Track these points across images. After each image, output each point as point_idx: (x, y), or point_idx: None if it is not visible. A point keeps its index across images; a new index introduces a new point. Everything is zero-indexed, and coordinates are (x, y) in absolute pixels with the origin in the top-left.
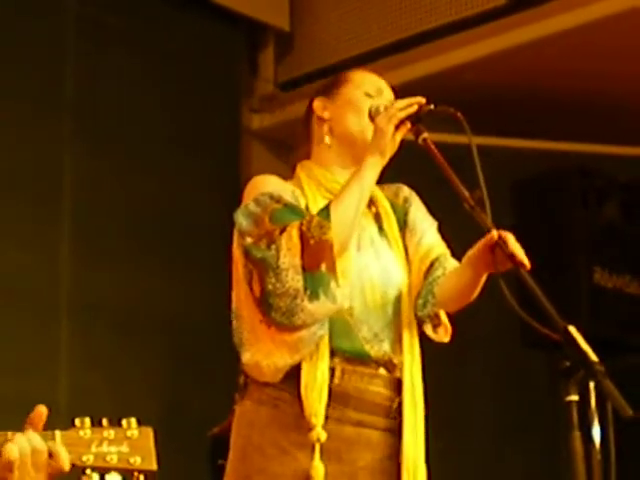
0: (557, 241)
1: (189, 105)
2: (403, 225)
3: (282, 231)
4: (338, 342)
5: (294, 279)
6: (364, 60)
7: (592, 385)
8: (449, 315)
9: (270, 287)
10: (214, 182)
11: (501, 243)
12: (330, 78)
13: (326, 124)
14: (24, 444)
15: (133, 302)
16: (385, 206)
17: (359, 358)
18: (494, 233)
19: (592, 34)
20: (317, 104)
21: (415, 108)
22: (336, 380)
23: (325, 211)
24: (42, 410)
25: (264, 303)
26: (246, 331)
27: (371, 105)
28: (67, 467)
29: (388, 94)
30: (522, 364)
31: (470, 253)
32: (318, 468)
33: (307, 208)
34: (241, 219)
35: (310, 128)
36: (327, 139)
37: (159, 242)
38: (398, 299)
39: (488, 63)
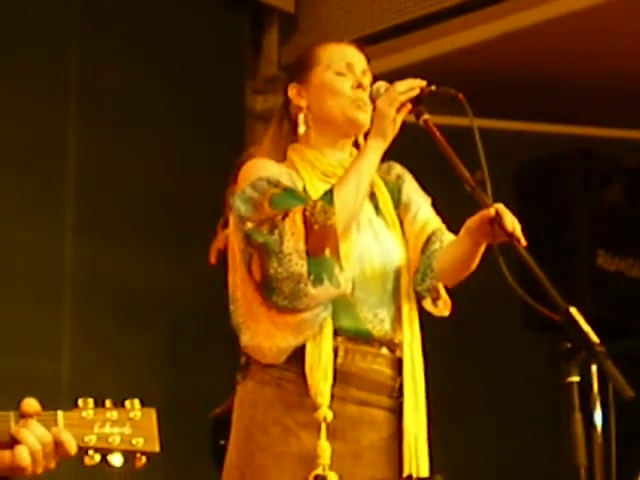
0: (560, 224)
1: (193, 87)
2: (397, 202)
3: (284, 216)
4: (341, 322)
5: (298, 264)
6: (367, 42)
7: (594, 367)
8: (449, 294)
9: (272, 271)
10: (217, 163)
11: (498, 220)
12: (298, 59)
13: (303, 112)
14: (33, 444)
15: (136, 282)
16: (379, 185)
17: (362, 337)
18: (491, 210)
19: (596, 17)
20: (292, 92)
21: (417, 92)
22: (339, 359)
23: (328, 196)
24: (30, 402)
25: (265, 287)
26: (242, 315)
27: (372, 87)
28: (74, 452)
29: (359, 65)
30: (523, 346)
31: (468, 224)
32: (324, 447)
33: (305, 190)
34: (239, 204)
35: (290, 114)
36: (302, 129)
37: (162, 223)
38: (397, 277)
39: (491, 46)
